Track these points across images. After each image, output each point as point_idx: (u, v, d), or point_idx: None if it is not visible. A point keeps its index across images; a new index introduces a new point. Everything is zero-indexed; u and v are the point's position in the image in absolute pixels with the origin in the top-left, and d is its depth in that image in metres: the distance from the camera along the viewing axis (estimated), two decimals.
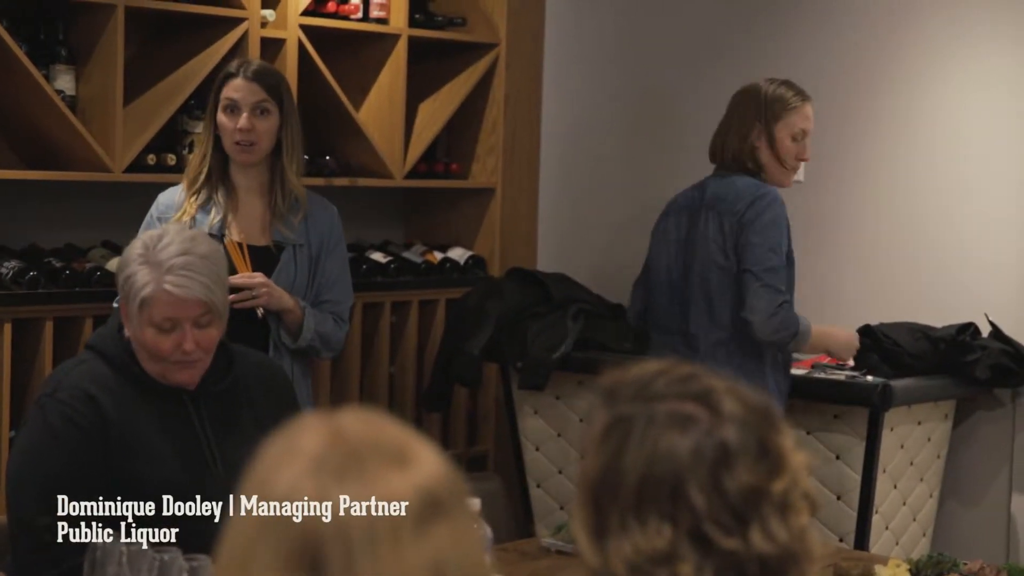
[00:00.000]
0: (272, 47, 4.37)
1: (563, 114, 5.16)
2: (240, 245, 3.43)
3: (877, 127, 4.51)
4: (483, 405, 5.01)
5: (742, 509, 1.36)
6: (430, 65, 4.91)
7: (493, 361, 4.68)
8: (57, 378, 2.67)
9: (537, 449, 4.63)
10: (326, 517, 1.13)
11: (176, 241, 2.60)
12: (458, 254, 4.94)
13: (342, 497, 1.13)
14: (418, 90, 4.87)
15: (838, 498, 4.07)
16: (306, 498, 1.14)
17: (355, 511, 1.13)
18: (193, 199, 3.46)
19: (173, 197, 3.50)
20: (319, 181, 4.53)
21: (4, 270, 3.90)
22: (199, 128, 4.28)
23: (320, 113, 4.55)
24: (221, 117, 3.45)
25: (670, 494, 1.35)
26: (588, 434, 1.43)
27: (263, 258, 3.46)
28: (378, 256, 4.74)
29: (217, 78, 3.55)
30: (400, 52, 4.69)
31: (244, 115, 3.42)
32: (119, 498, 2.57)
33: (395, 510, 1.14)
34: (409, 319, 4.79)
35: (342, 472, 1.15)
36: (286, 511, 1.14)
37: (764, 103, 3.80)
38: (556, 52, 5.16)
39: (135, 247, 2.65)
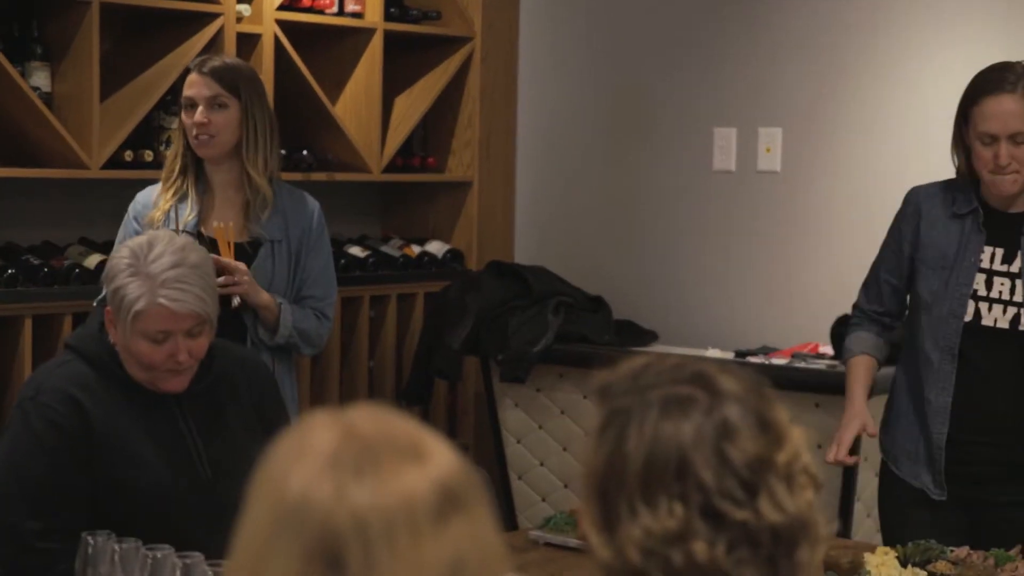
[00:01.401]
0: (248, 42, 4.36)
1: (539, 107, 5.17)
2: (224, 231, 3.41)
3: (850, 118, 4.52)
4: (463, 398, 5.01)
5: (750, 479, 1.37)
6: (406, 59, 4.90)
7: (473, 354, 4.68)
8: (38, 380, 2.65)
9: (518, 442, 4.64)
10: (345, 514, 1.12)
11: (168, 252, 2.57)
12: (436, 248, 4.94)
13: (360, 493, 1.13)
14: (394, 84, 4.86)
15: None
16: (323, 495, 1.13)
17: (374, 507, 1.13)
18: (169, 194, 3.44)
19: (150, 196, 3.48)
20: (296, 176, 4.52)
21: None
22: (175, 124, 4.26)
23: (297, 108, 4.54)
24: (183, 114, 3.44)
25: (676, 473, 1.36)
26: (588, 435, 1.44)
27: (240, 255, 3.44)
28: (356, 250, 4.73)
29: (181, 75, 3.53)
30: (376, 46, 4.68)
31: (200, 109, 3.39)
32: (105, 502, 2.56)
33: (413, 505, 1.14)
34: (388, 313, 4.79)
35: (358, 468, 1.14)
36: (303, 510, 1.13)
37: None
38: (531, 45, 5.16)
39: (122, 255, 2.60)
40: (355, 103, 4.71)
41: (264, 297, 3.40)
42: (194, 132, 3.41)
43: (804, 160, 4.62)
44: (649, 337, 4.71)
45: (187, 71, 3.49)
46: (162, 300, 2.53)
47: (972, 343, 3.12)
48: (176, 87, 4.21)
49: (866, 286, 3.33)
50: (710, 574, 1.36)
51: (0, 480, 2.60)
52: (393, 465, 1.15)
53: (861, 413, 3.20)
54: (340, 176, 4.69)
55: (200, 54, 4.18)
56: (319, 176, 4.61)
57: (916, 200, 3.23)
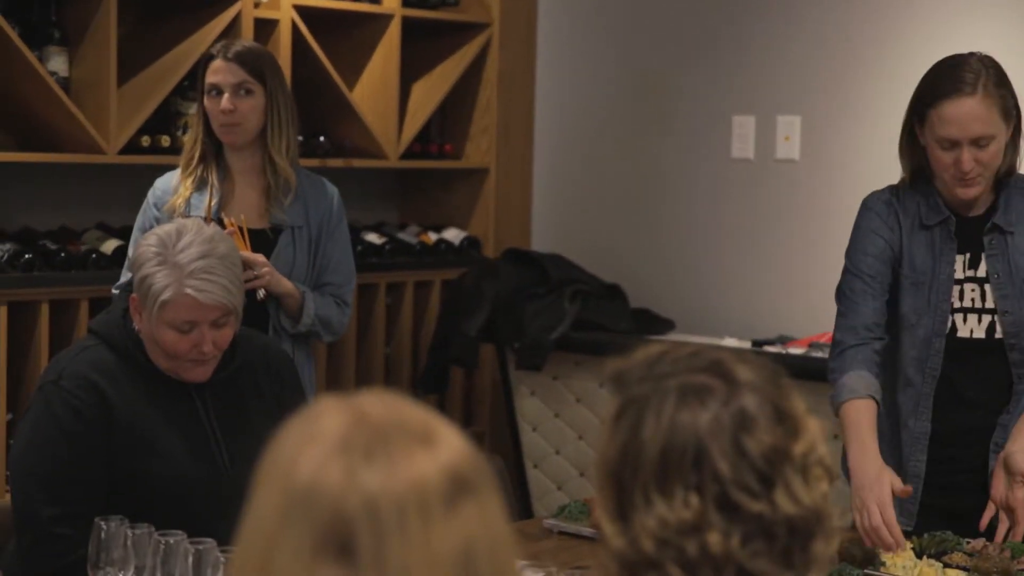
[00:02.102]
0: (265, 28, 4.35)
1: (557, 93, 5.15)
2: (241, 229, 3.40)
3: (869, 106, 4.50)
4: (479, 386, 5.01)
5: (766, 471, 1.36)
6: (423, 45, 4.89)
7: (489, 342, 4.68)
8: (61, 365, 2.64)
9: (534, 430, 4.63)
10: (356, 499, 1.11)
11: (196, 242, 2.56)
12: (453, 235, 4.93)
13: (371, 478, 1.12)
14: (412, 70, 4.85)
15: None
16: (334, 480, 1.12)
17: (384, 491, 1.12)
18: (188, 181, 3.42)
19: (170, 182, 3.46)
20: (313, 162, 4.52)
21: None
22: (193, 109, 4.26)
23: (314, 94, 4.53)
24: (206, 101, 3.41)
25: (693, 463, 1.35)
26: (603, 423, 1.43)
27: (261, 241, 3.43)
28: (373, 237, 4.72)
29: (201, 61, 3.50)
30: (393, 32, 4.67)
31: (226, 96, 3.37)
32: (123, 489, 2.56)
33: (425, 489, 1.13)
34: (404, 300, 4.79)
35: (369, 453, 1.13)
36: (313, 494, 1.12)
37: None
38: (549, 31, 5.15)
39: (149, 243, 2.59)
40: (372, 89, 4.71)
41: (287, 285, 3.39)
42: (220, 119, 3.39)
43: (823, 148, 4.60)
44: (666, 325, 4.70)
45: (209, 57, 3.45)
46: (189, 291, 2.53)
47: (949, 358, 2.88)
48: (194, 73, 4.21)
49: (854, 310, 2.93)
50: (724, 565, 1.35)
51: (18, 465, 2.61)
52: (403, 450, 1.14)
53: (883, 475, 2.73)
54: (357, 162, 4.68)
55: (218, 40, 4.18)
56: (336, 162, 4.61)
57: (891, 206, 2.95)
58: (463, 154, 5.05)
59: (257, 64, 3.42)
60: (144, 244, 2.61)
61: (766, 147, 4.68)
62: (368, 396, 1.21)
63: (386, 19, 4.67)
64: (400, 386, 4.79)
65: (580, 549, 2.83)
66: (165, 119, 4.23)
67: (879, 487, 2.70)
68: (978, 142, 2.80)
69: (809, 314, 4.51)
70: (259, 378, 2.76)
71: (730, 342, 4.39)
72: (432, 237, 4.87)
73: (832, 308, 4.52)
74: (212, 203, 3.41)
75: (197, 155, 3.43)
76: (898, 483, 2.71)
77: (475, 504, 1.15)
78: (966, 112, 2.79)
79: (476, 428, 4.99)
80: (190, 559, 2.18)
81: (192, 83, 4.26)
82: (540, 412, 4.59)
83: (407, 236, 4.83)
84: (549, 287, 4.56)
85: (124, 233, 4.10)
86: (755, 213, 4.73)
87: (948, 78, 2.83)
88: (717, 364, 1.41)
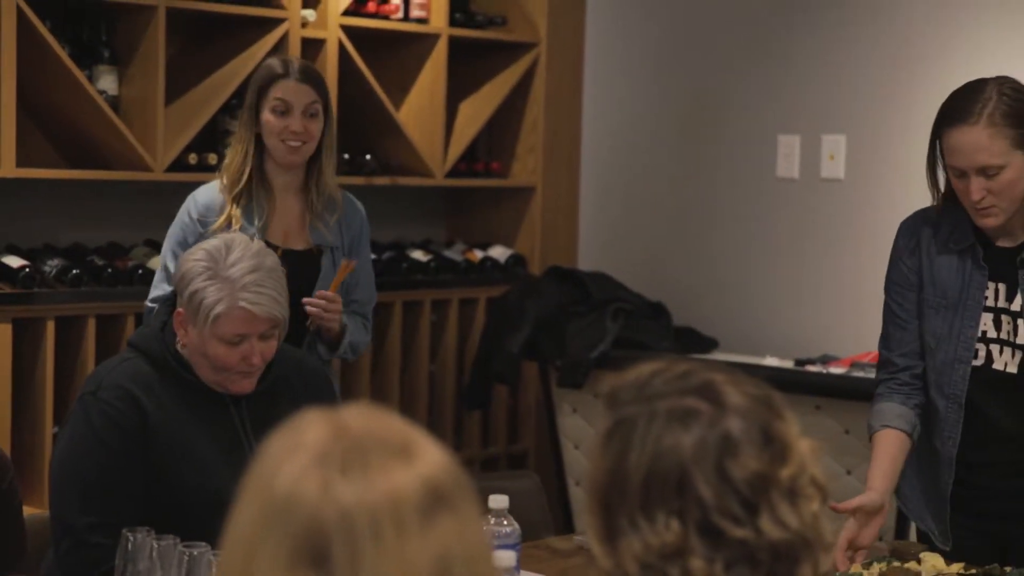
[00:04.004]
0: (312, 47, 4.40)
1: (603, 113, 5.17)
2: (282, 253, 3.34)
3: (914, 125, 4.47)
4: (523, 403, 5.02)
5: (750, 497, 1.36)
6: (470, 64, 4.92)
7: (532, 359, 4.69)
8: (100, 376, 2.68)
9: (576, 447, 4.64)
10: (331, 511, 1.13)
11: (246, 256, 2.61)
12: (499, 253, 4.95)
13: (346, 490, 1.14)
14: (458, 89, 4.89)
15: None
16: (310, 492, 1.14)
17: (360, 504, 1.14)
18: (233, 199, 3.39)
19: (212, 197, 3.41)
20: (359, 180, 4.56)
21: (48, 268, 3.95)
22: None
23: (360, 113, 4.57)
24: (269, 117, 3.38)
25: (676, 489, 1.35)
26: (594, 441, 1.44)
27: (304, 262, 3.42)
28: (419, 255, 4.76)
29: (257, 76, 3.47)
30: (440, 51, 4.71)
31: (297, 117, 3.37)
32: (159, 500, 2.59)
33: (400, 502, 1.14)
34: (449, 318, 4.81)
35: (346, 465, 1.15)
36: (290, 505, 1.15)
37: None
38: (597, 51, 5.17)
39: (197, 259, 2.63)
40: (419, 108, 4.74)
41: (340, 321, 3.39)
42: (287, 139, 3.37)
43: (867, 167, 4.58)
44: (709, 344, 4.69)
45: (273, 75, 3.41)
46: (243, 304, 2.57)
47: (981, 389, 2.81)
48: (241, 91, 4.26)
49: (886, 340, 2.93)
50: None
51: (57, 474, 2.65)
52: (381, 463, 1.16)
53: (869, 491, 2.78)
54: (404, 181, 4.72)
55: (265, 59, 4.23)
56: (382, 181, 4.65)
57: (915, 231, 2.92)
58: (510, 172, 5.08)
59: (323, 85, 3.45)
60: (191, 259, 2.65)
61: (811, 166, 4.67)
62: (353, 410, 1.23)
63: (433, 39, 4.71)
64: (444, 403, 4.81)
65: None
66: (212, 137, 4.28)
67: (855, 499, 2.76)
68: (985, 172, 2.73)
69: (852, 333, 4.49)
70: (295, 391, 2.79)
71: (771, 361, 4.38)
72: (478, 255, 4.90)
73: (874, 327, 4.51)
74: (259, 224, 3.39)
75: (246, 174, 3.40)
76: (868, 504, 2.73)
77: (452, 518, 1.17)
78: (969, 142, 2.73)
79: (520, 445, 5.00)
80: (213, 570, 2.21)
81: (240, 101, 4.31)
82: (582, 430, 4.60)
83: (453, 254, 4.86)
84: (591, 305, 4.57)
85: None
86: (799, 232, 4.72)
87: (956, 105, 2.78)
88: (707, 386, 1.40)
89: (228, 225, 3.34)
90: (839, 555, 2.72)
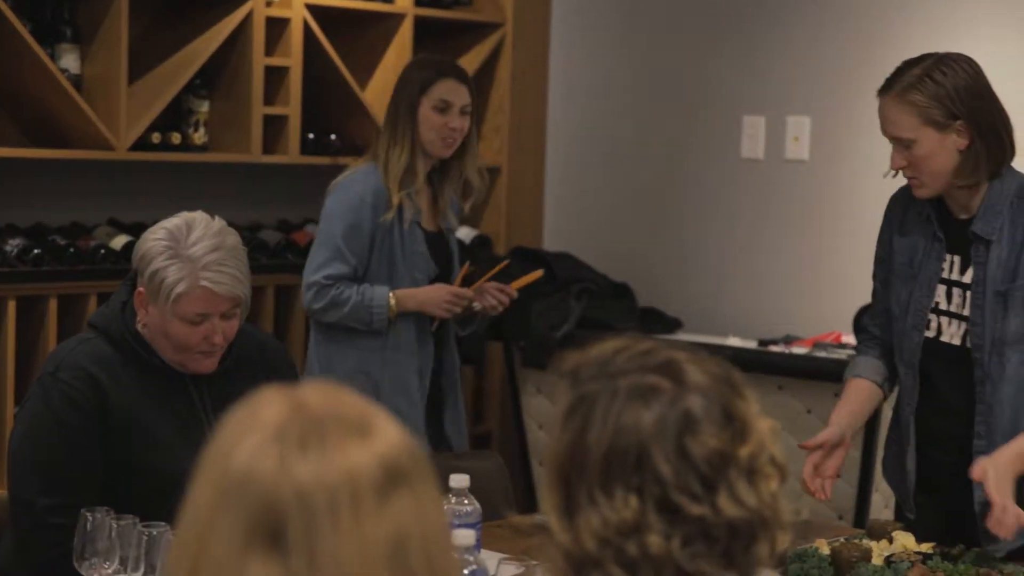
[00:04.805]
0: (277, 26, 4.38)
1: (569, 93, 5.17)
2: (464, 262, 3.79)
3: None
4: (489, 385, 5.02)
5: (709, 475, 1.36)
6: (436, 45, 4.91)
7: (497, 340, 4.69)
8: (59, 356, 2.67)
9: (540, 427, 4.65)
10: (287, 488, 1.13)
11: (207, 235, 2.60)
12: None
13: (303, 467, 1.14)
14: None
15: (838, 475, 4.07)
16: (267, 468, 1.14)
17: (316, 481, 1.13)
18: (399, 189, 3.59)
19: (377, 184, 3.60)
20: (324, 160, 4.55)
21: (9, 248, 3.92)
22: (204, 107, 4.30)
23: (325, 92, 4.56)
24: (430, 114, 3.60)
25: (635, 465, 1.36)
26: (554, 416, 1.44)
27: (437, 242, 3.69)
28: None
29: (414, 74, 3.67)
30: (406, 31, 4.69)
31: (455, 114, 3.62)
32: (119, 480, 2.58)
33: (357, 479, 1.14)
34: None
35: (303, 442, 1.15)
36: (246, 482, 1.14)
37: None
38: (562, 32, 5.16)
39: (158, 238, 2.62)
40: (385, 88, 4.71)
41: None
42: (446, 134, 3.61)
43: (831, 149, 4.60)
44: (673, 324, 4.70)
45: (436, 76, 3.63)
46: (205, 283, 2.56)
47: (932, 360, 2.88)
48: (205, 70, 4.25)
49: (870, 305, 3.08)
50: (664, 567, 1.35)
51: (16, 454, 2.64)
52: (338, 440, 1.16)
53: (831, 427, 2.91)
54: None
55: (231, 38, 4.22)
56: (347, 160, 4.62)
57: (892, 205, 3.00)
58: None
59: (473, 85, 3.72)
60: (152, 239, 2.63)
61: (776, 147, 4.69)
62: (311, 387, 1.23)
63: (399, 18, 4.69)
64: None
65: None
66: (176, 116, 4.26)
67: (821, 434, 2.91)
68: (900, 143, 2.82)
69: (815, 314, 4.52)
70: (256, 370, 2.78)
71: (733, 342, 4.40)
72: None
73: (837, 308, 4.54)
74: (418, 211, 3.64)
75: (408, 165, 3.61)
76: (827, 441, 2.86)
77: (410, 496, 1.16)
78: (882, 112, 2.84)
79: (485, 426, 5.00)
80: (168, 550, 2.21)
81: (203, 81, 4.30)
82: (546, 410, 4.61)
83: None
84: (555, 285, 4.58)
85: (135, 229, 4.14)
86: (764, 213, 4.73)
87: (889, 76, 2.87)
88: (668, 364, 1.41)
89: (400, 213, 3.59)
90: (808, 483, 2.85)
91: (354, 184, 3.62)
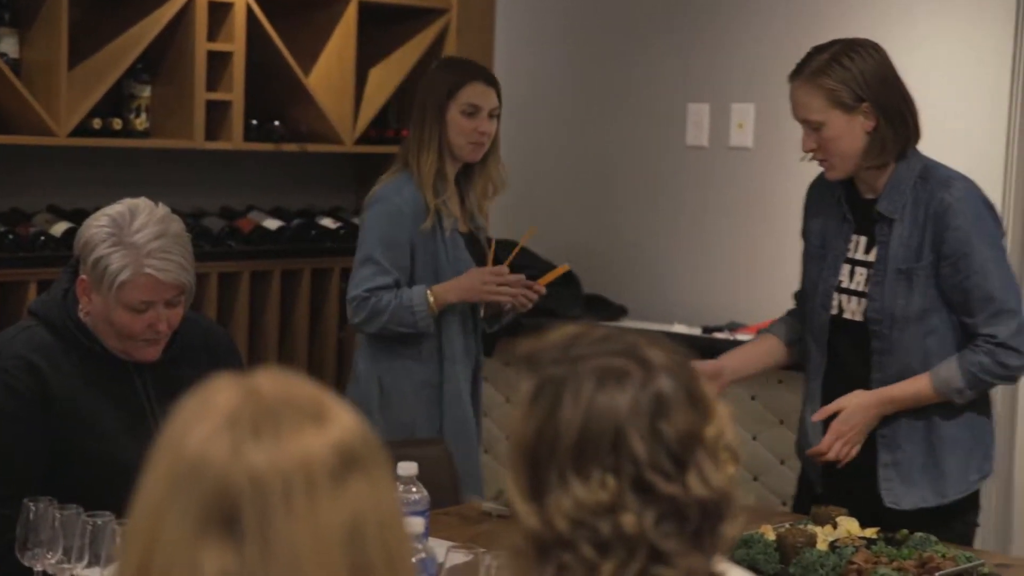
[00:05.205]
0: (220, 11, 4.34)
1: (514, 80, 5.15)
2: (490, 240, 3.71)
3: None
4: None
5: (679, 454, 1.38)
6: (381, 30, 4.89)
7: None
8: None
9: (486, 415, 4.64)
10: (241, 473, 1.12)
11: (151, 223, 2.57)
12: None
13: (257, 453, 1.13)
14: (368, 55, 4.85)
15: (781, 462, 4.10)
16: (220, 454, 1.13)
17: (271, 467, 1.13)
18: (431, 196, 3.54)
19: (413, 191, 3.54)
20: (268, 147, 4.52)
21: None
22: (146, 92, 4.26)
23: (269, 79, 4.52)
24: (458, 118, 3.55)
25: (611, 446, 1.36)
26: (516, 402, 1.44)
27: (472, 243, 3.65)
28: (328, 222, 4.72)
29: (441, 77, 3.60)
30: (350, 17, 4.67)
31: (484, 118, 3.57)
32: (63, 470, 2.56)
33: (312, 465, 1.13)
34: None
35: (257, 428, 1.14)
36: (199, 468, 1.13)
37: None
38: (507, 18, 5.15)
39: (101, 225, 2.59)
40: (329, 74, 4.70)
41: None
42: (475, 138, 3.57)
43: (776, 137, 4.61)
44: (618, 311, 4.71)
45: (463, 79, 3.58)
46: (149, 270, 2.54)
47: (838, 336, 3.04)
48: (147, 55, 4.20)
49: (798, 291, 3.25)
50: (637, 546, 1.36)
51: None
52: (292, 426, 1.15)
53: (717, 362, 3.13)
54: (313, 148, 4.68)
55: (172, 23, 4.18)
56: (291, 147, 4.60)
57: (810, 191, 3.17)
58: None
59: (500, 90, 3.67)
60: (95, 226, 2.61)
61: (720, 135, 4.70)
62: (264, 374, 1.22)
63: (343, 3, 4.67)
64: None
65: (515, 533, 2.83)
66: (117, 102, 4.22)
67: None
68: (810, 125, 2.96)
69: (759, 301, 4.54)
70: (200, 358, 2.76)
71: (679, 329, 4.42)
72: None
73: (780, 294, 4.55)
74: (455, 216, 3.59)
75: (437, 170, 3.56)
76: (707, 372, 2.95)
77: (365, 481, 1.16)
78: (792, 96, 2.99)
79: None
80: (117, 540, 2.19)
81: (145, 66, 4.25)
82: (490, 398, 4.60)
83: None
84: None
85: (75, 216, 4.10)
86: (709, 200, 4.75)
87: (800, 61, 3.01)
88: (632, 348, 1.42)
89: (439, 219, 3.55)
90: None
91: (389, 195, 3.56)
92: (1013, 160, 4.18)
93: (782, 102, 4.61)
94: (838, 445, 2.95)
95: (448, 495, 3.24)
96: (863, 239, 3.01)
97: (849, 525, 2.78)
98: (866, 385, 2.99)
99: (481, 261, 3.67)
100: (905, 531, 2.76)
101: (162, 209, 2.64)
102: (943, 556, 2.64)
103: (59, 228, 4.05)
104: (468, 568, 2.25)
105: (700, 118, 4.74)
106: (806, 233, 3.14)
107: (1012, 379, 3.01)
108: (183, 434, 1.16)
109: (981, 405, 3.03)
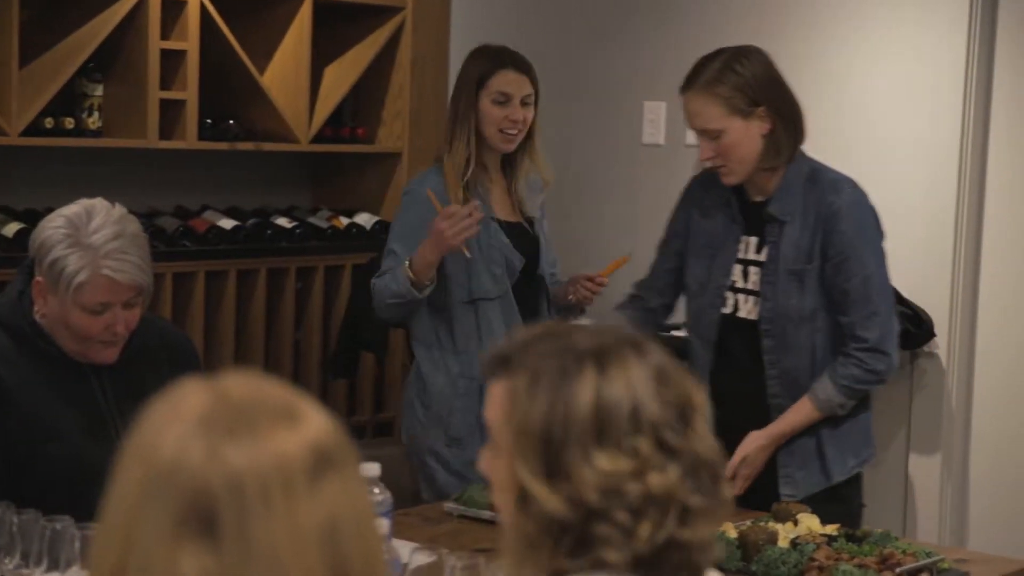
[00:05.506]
0: (174, 9, 4.31)
1: None
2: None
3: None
4: (390, 372, 4.99)
5: (683, 417, 1.45)
6: (336, 28, 4.86)
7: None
8: None
9: None
10: (218, 475, 1.12)
11: (108, 223, 2.56)
12: (364, 219, 4.91)
13: (234, 454, 1.13)
14: (323, 54, 4.83)
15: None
16: (195, 457, 1.12)
17: (248, 468, 1.13)
18: (460, 187, 3.51)
19: (438, 182, 3.52)
20: (223, 146, 4.49)
21: None
22: (98, 91, 4.22)
23: (224, 77, 4.49)
24: (490, 107, 3.52)
25: (629, 415, 1.42)
26: (505, 399, 1.45)
27: (520, 233, 3.60)
28: (283, 221, 4.70)
29: (470, 69, 3.60)
30: (305, 15, 4.64)
31: (516, 107, 3.53)
32: (20, 472, 2.53)
33: (289, 465, 1.14)
34: (315, 285, 4.77)
35: (232, 430, 1.14)
36: (174, 472, 1.12)
37: None
38: (463, 16, 5.14)
39: (57, 226, 2.57)
40: (283, 72, 4.68)
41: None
42: (507, 127, 3.52)
43: None
44: (575, 310, 4.70)
45: (493, 67, 3.56)
46: (106, 271, 2.52)
47: (728, 332, 3.14)
48: (99, 53, 4.16)
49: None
50: (668, 503, 1.41)
51: None
52: (266, 427, 1.15)
53: None
54: (268, 146, 4.65)
55: (125, 20, 4.14)
56: (246, 146, 4.57)
57: (691, 185, 3.24)
58: (375, 138, 5.03)
59: (535, 74, 3.62)
60: (51, 227, 2.59)
61: (677, 133, 4.71)
62: (231, 377, 1.22)
63: (297, 2, 4.64)
64: (310, 371, 4.77)
65: (479, 532, 2.84)
66: (69, 101, 4.17)
67: None
68: (707, 134, 3.03)
69: None
70: (158, 360, 2.75)
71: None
72: (343, 221, 4.85)
73: None
74: (485, 205, 3.54)
75: (466, 159, 3.53)
76: None
77: (339, 479, 1.17)
78: (688, 107, 3.05)
79: (386, 414, 4.98)
80: (77, 544, 2.16)
81: (97, 64, 4.21)
82: None
83: (318, 220, 4.81)
84: None
85: (27, 216, 4.05)
86: (665, 198, 4.72)
87: (690, 72, 3.08)
88: (615, 331, 1.50)
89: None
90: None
91: (414, 186, 3.60)
92: (966, 169, 4.21)
93: None
94: (744, 483, 3.12)
95: (407, 495, 3.23)
96: (753, 239, 3.10)
97: (810, 522, 2.80)
98: (759, 381, 3.11)
99: (532, 252, 3.64)
100: (866, 528, 2.78)
101: (119, 210, 2.62)
102: (903, 552, 2.66)
103: (11, 229, 4.01)
104: (432, 569, 2.25)
105: (656, 116, 4.74)
106: (687, 229, 3.21)
107: (882, 382, 3.15)
108: (155, 437, 1.16)
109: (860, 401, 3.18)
